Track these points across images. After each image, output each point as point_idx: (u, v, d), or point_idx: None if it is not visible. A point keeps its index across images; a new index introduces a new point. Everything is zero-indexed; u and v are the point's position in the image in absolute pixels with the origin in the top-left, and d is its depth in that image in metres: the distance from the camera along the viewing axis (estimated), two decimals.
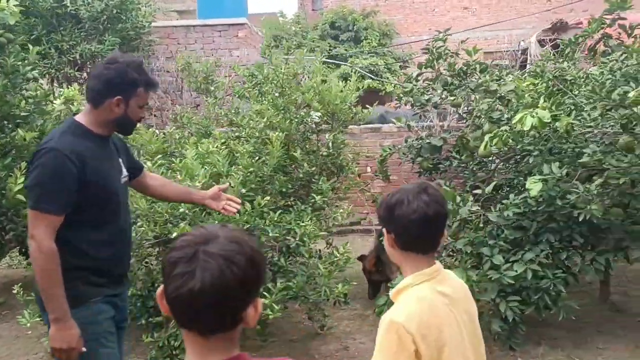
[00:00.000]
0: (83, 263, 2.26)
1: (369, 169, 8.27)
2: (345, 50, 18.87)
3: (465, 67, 4.58)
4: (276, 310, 3.55)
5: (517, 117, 3.78)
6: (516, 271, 3.89)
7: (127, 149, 2.64)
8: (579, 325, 4.62)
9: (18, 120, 4.96)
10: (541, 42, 10.32)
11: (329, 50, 18.82)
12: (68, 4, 7.61)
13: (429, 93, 4.88)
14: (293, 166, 4.61)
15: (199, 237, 1.18)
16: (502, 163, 4.98)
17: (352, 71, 14.31)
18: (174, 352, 3.80)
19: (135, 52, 8.47)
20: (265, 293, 3.60)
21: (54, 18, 7.81)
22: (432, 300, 1.70)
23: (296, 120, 4.57)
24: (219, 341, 1.19)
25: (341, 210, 4.12)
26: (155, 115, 8.08)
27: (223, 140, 4.31)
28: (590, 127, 3.72)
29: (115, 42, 7.84)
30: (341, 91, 4.81)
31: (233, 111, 4.58)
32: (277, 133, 3.94)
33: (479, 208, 4.12)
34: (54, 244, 2.15)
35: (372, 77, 13.73)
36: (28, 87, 5.13)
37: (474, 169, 4.70)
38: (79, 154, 2.18)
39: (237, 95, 4.86)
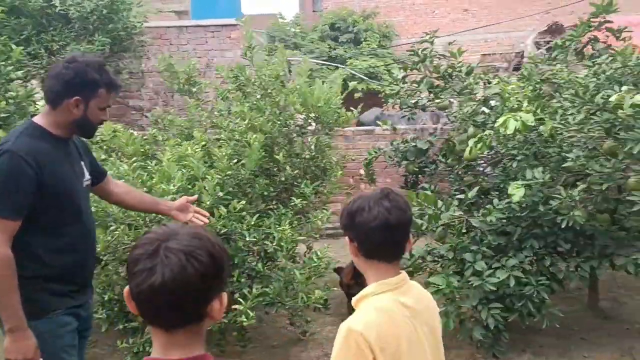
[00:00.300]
0: (43, 271, 2.18)
1: (362, 172, 8.21)
2: (345, 51, 18.82)
3: (450, 70, 4.50)
4: (251, 317, 3.48)
5: (501, 120, 3.72)
6: (498, 278, 3.82)
7: (90, 152, 2.56)
8: (567, 332, 4.54)
9: None
10: (537, 45, 10.24)
11: (329, 51, 18.78)
12: (57, 4, 7.55)
13: (417, 95, 4.81)
14: (276, 169, 4.54)
15: (160, 235, 1.20)
16: (489, 167, 4.91)
17: (349, 74, 14.30)
18: None
19: (126, 52, 8.42)
20: (240, 299, 3.53)
21: (44, 18, 7.75)
22: (392, 311, 1.65)
23: (279, 122, 4.50)
24: (183, 336, 1.20)
25: (320, 215, 4.04)
26: (146, 116, 8.01)
27: (203, 143, 4.24)
28: (574, 131, 3.64)
29: (105, 43, 7.77)
30: (326, 93, 4.74)
31: (217, 113, 4.50)
32: (255, 135, 3.87)
33: (462, 213, 4.04)
34: (9, 250, 2.07)
35: (369, 79, 13.69)
36: (10, 88, 5.06)
37: (460, 173, 4.62)
38: (36, 156, 2.11)
39: (220, 97, 4.79)
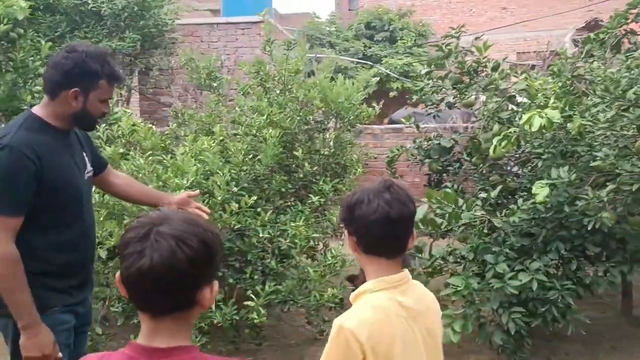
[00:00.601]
0: (41, 267, 2.12)
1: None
2: (380, 50, 18.66)
3: (475, 65, 4.35)
4: (262, 314, 3.42)
5: (525, 117, 3.56)
6: (521, 281, 3.66)
7: (91, 142, 2.50)
8: (595, 340, 4.35)
9: None
10: (575, 42, 9.90)
11: (364, 50, 18.66)
12: (90, 2, 7.66)
13: (442, 92, 4.67)
14: (294, 165, 4.48)
15: (153, 219, 1.18)
16: (517, 166, 4.73)
17: (384, 72, 14.14)
18: None
19: (157, 49, 8.48)
20: (252, 296, 3.48)
21: (77, 15, 7.87)
22: (388, 310, 1.58)
23: (298, 118, 4.44)
24: (170, 324, 1.18)
25: (337, 212, 3.95)
26: (165, 110, 8.06)
27: (221, 138, 4.20)
28: (604, 128, 3.46)
29: (136, 39, 7.84)
30: (347, 89, 4.65)
31: (237, 109, 4.47)
32: (271, 131, 3.81)
33: (484, 213, 3.89)
34: (14, 247, 2.02)
35: (404, 78, 13.50)
36: (38, 82, 5.13)
37: (484, 172, 4.46)
38: (36, 150, 2.04)
39: (241, 93, 4.76)
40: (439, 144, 4.69)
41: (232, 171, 3.78)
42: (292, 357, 4.18)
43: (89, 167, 2.34)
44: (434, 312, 1.72)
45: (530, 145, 3.94)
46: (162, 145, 4.41)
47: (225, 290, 3.65)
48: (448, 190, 3.82)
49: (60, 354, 2.11)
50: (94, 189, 2.79)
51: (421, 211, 3.67)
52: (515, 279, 3.70)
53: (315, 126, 4.52)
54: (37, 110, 2.18)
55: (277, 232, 3.82)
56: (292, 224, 3.71)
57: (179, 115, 4.62)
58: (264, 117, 4.22)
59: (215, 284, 1.23)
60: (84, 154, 2.33)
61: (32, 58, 5.36)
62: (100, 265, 3.81)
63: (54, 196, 2.10)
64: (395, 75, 13.61)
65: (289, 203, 4.37)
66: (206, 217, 2.70)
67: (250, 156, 3.89)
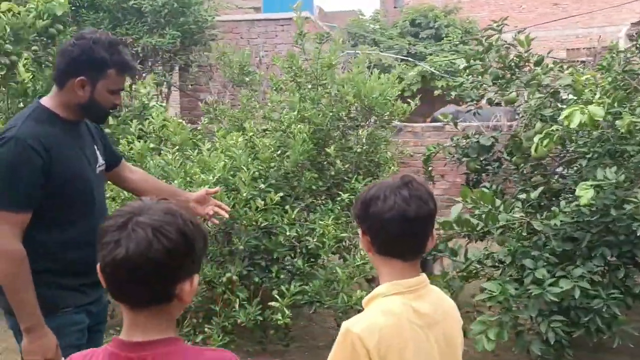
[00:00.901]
0: (50, 265, 2.04)
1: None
2: (425, 47, 18.35)
3: (517, 60, 4.13)
4: (286, 315, 3.32)
5: (565, 113, 3.34)
6: (561, 288, 3.44)
7: (105, 135, 2.41)
8: None
9: None
10: (630, 38, 9.44)
11: (408, 47, 18.39)
12: None
13: (482, 88, 4.46)
14: (326, 163, 4.36)
15: (134, 208, 1.17)
16: (562, 166, 4.48)
17: (428, 70, 13.88)
18: None
19: (197, 45, 8.51)
20: (277, 296, 3.38)
21: (119, 12, 7.97)
22: (400, 316, 1.45)
23: (331, 114, 4.32)
24: (150, 317, 1.17)
25: None
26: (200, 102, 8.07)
27: (251, 134, 4.12)
28: None
29: (175, 36, 7.89)
30: (381, 84, 4.50)
31: (270, 104, 4.38)
32: (299, 126, 3.70)
33: (523, 215, 3.68)
34: (20, 246, 1.94)
35: (450, 76, 13.20)
36: None
37: (525, 172, 4.24)
38: (43, 142, 1.95)
39: (274, 88, 4.67)
40: (478, 142, 4.48)
41: (260, 167, 3.69)
42: (319, 359, 4.06)
43: (101, 161, 2.25)
44: (453, 321, 1.59)
45: (575, 144, 3.70)
46: (193, 140, 4.37)
47: (250, 289, 3.56)
48: (485, 190, 3.62)
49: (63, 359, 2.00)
50: None
51: (455, 211, 3.49)
52: (556, 285, 3.47)
53: (349, 122, 4.38)
54: (45, 101, 2.10)
55: (305, 231, 3.72)
56: (321, 222, 3.59)
57: (211, 110, 4.57)
58: (295, 112, 4.12)
59: (196, 277, 1.20)
60: (95, 147, 2.23)
61: None
62: None
63: (61, 190, 2.01)
64: (439, 73, 13.32)
65: (320, 201, 4.25)
66: (226, 215, 2.61)
67: (279, 152, 3.79)
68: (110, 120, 5.30)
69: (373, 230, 1.51)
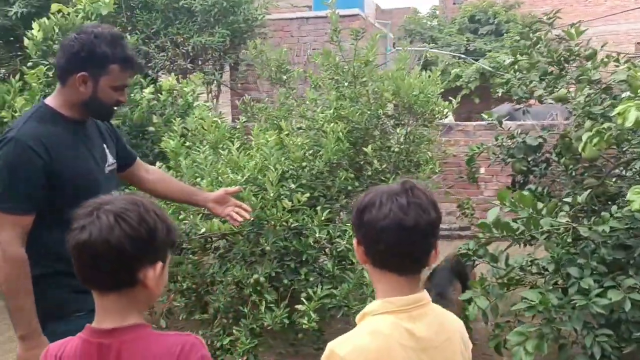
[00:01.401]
0: (64, 267, 1.93)
1: (482, 170, 7.58)
2: (485, 44, 17.85)
3: (567, 54, 3.87)
4: (312, 319, 3.22)
5: (618, 109, 3.09)
6: (610, 299, 3.19)
7: (118, 134, 2.38)
8: None
9: None
10: None
11: (466, 44, 17.94)
12: None
13: (531, 85, 4.22)
14: (362, 162, 4.24)
15: (104, 199, 1.26)
16: (619, 168, 4.18)
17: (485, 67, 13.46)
18: (215, 353, 3.62)
19: (246, 44, 8.53)
20: (303, 299, 3.30)
21: (171, 12, 8.09)
22: (390, 338, 1.33)
23: (369, 112, 4.19)
24: (116, 302, 1.26)
25: None
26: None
27: (286, 132, 4.06)
28: None
29: (225, 35, 7.93)
30: (422, 82, 4.34)
31: (308, 102, 4.30)
32: (332, 125, 3.60)
33: (569, 220, 3.44)
34: (21, 249, 1.91)
35: (502, 73, 12.74)
36: None
37: (573, 173, 3.98)
38: (45, 143, 1.93)
39: (312, 86, 4.59)
40: (524, 142, 4.24)
41: (291, 167, 3.61)
42: None
43: (111, 160, 2.21)
44: (455, 344, 1.44)
45: (629, 144, 3.43)
46: (231, 139, 4.34)
47: (279, 291, 3.49)
48: (525, 192, 3.41)
49: None
50: None
51: (492, 214, 3.30)
52: (604, 296, 3.23)
53: (387, 121, 4.24)
54: (49, 100, 2.08)
55: (337, 233, 3.61)
56: (349, 224, 3.48)
57: (248, 109, 4.53)
58: (331, 110, 4.03)
59: (159, 265, 1.26)
60: (105, 146, 2.20)
61: None
62: None
63: (64, 191, 1.98)
64: (491, 70, 12.88)
65: None
66: (247, 216, 2.53)
67: (311, 151, 3.70)
68: (155, 119, 5.38)
69: (367, 239, 1.40)
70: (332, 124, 3.63)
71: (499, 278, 3.61)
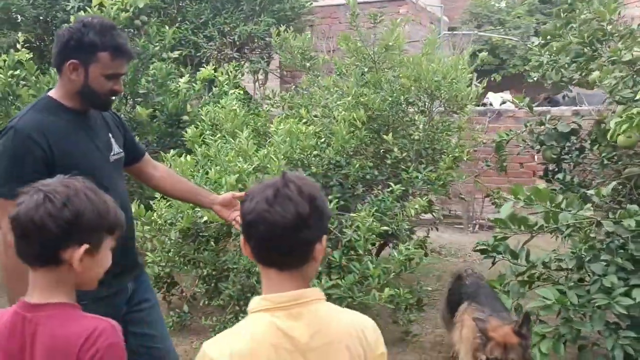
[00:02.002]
0: None
1: (536, 158, 7.21)
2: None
3: (600, 34, 3.58)
4: None
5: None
6: (634, 299, 2.95)
7: (126, 128, 2.38)
8: None
9: (137, 98, 5.24)
10: None
11: (536, 26, 17.12)
12: None
13: (564, 67, 3.94)
14: (382, 151, 4.13)
15: (47, 181, 1.35)
16: None
17: None
18: None
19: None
20: None
21: (219, 2, 8.17)
22: (261, 339, 1.25)
23: (390, 99, 4.07)
24: (43, 278, 1.32)
25: (416, 206, 3.54)
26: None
27: (305, 121, 4.01)
28: None
29: (270, 23, 7.93)
30: (451, 67, 4.16)
31: (323, 89, 4.23)
32: (343, 113, 3.51)
33: (593, 213, 3.20)
34: None
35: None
36: (154, 66, 5.37)
37: (604, 162, 3.70)
38: (44, 133, 1.97)
39: (337, 73, 4.50)
40: (555, 128, 3.98)
41: (302, 155, 3.57)
42: None
43: (116, 150, 2.22)
44: (341, 350, 1.29)
45: None
46: (255, 127, 4.35)
47: None
48: (541, 185, 3.19)
49: None
50: None
51: (505, 209, 3.12)
52: (628, 295, 3.00)
53: (407, 107, 4.10)
54: (52, 92, 2.12)
55: (349, 222, 3.55)
56: (362, 213, 3.40)
57: (270, 97, 4.51)
58: (349, 97, 3.94)
59: (84, 247, 1.30)
60: (110, 136, 2.22)
61: (157, 44, 5.62)
62: (175, 246, 3.85)
63: None
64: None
65: (378, 191, 4.04)
66: None
67: (323, 140, 3.64)
68: (189, 108, 5.46)
69: (244, 234, 1.33)
70: (343, 112, 3.54)
71: (518, 275, 3.42)
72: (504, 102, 5.94)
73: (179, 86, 5.47)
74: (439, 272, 5.58)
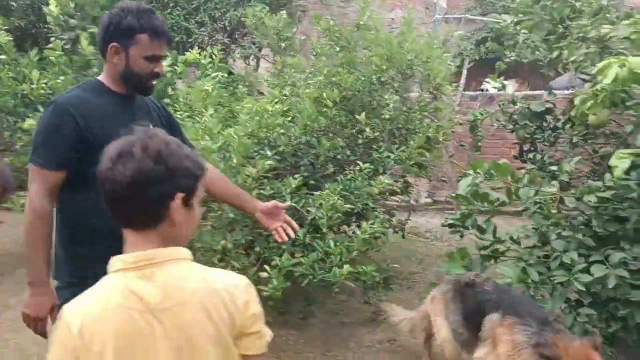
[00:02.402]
0: (79, 235, 2.07)
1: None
2: None
3: (569, 11, 3.53)
4: (276, 286, 3.19)
5: (599, 66, 2.81)
6: (592, 275, 2.94)
7: (173, 122, 2.38)
8: None
9: None
10: None
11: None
12: None
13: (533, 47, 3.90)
14: (355, 131, 4.12)
15: None
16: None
17: None
18: None
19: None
20: (266, 267, 3.27)
21: None
22: (111, 299, 1.23)
23: (363, 78, 4.05)
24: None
25: (382, 182, 3.54)
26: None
27: (276, 100, 4.01)
28: None
29: (262, 8, 7.89)
30: (426, 46, 4.14)
31: (291, 69, 4.22)
32: (307, 91, 3.51)
33: (556, 190, 3.18)
34: (45, 201, 2.01)
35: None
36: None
37: (574, 140, 3.66)
38: (83, 110, 2.04)
39: (313, 53, 4.49)
40: (529, 107, 3.94)
41: (268, 133, 3.57)
42: (336, 338, 3.88)
43: None
44: (195, 312, 1.26)
45: (623, 106, 3.11)
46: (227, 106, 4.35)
47: (250, 259, 3.48)
48: (502, 162, 3.15)
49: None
50: None
51: (464, 184, 3.11)
52: (588, 272, 2.98)
53: (379, 87, 4.07)
54: (100, 76, 2.20)
55: (319, 202, 3.54)
56: (325, 192, 3.40)
57: (245, 78, 4.50)
58: (321, 77, 3.93)
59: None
60: (150, 125, 2.15)
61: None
62: None
63: (95, 158, 2.06)
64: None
65: (349, 171, 4.03)
66: (292, 234, 2.42)
67: (289, 118, 3.64)
68: (170, 91, 5.47)
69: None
70: (308, 90, 3.53)
71: (481, 249, 3.42)
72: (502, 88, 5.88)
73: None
74: (422, 256, 5.58)
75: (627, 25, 3.28)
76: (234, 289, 1.32)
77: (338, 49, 4.06)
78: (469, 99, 7.37)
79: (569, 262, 3.03)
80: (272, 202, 2.41)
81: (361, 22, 4.01)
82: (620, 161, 2.78)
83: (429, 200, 7.48)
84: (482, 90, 8.96)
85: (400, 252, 5.37)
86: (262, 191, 3.38)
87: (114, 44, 2.06)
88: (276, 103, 3.93)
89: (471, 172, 3.08)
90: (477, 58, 6.64)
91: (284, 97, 3.90)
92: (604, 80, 2.70)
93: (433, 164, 4.46)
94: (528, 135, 3.97)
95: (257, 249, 3.48)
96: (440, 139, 4.24)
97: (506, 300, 2.80)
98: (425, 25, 8.52)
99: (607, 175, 3.13)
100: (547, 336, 2.47)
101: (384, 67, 3.94)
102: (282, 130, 3.58)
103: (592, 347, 2.36)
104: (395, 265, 3.82)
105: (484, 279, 3.06)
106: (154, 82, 2.18)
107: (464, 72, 7.49)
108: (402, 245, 5.52)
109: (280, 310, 3.97)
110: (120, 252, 1.35)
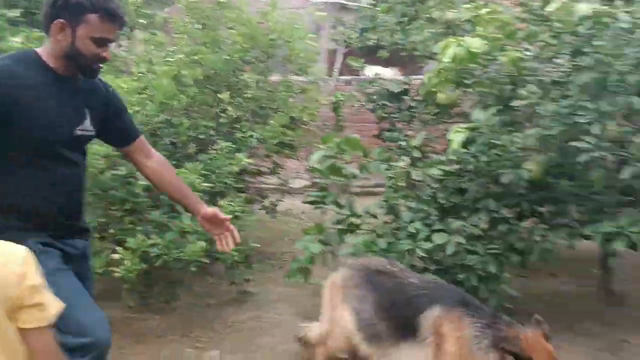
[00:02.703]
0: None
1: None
2: None
3: None
4: (128, 267, 3.11)
5: (440, 45, 2.98)
6: (433, 242, 3.13)
7: (120, 108, 2.21)
8: (555, 317, 3.72)
9: None
10: None
11: None
12: None
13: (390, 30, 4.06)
14: (219, 110, 4.10)
15: None
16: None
17: None
18: None
19: None
20: (117, 248, 3.19)
21: None
22: None
23: (226, 57, 4.03)
24: None
25: (237, 159, 3.56)
26: None
27: (136, 79, 3.88)
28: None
29: None
30: (287, 27, 4.18)
31: (151, 46, 4.11)
32: (164, 68, 3.43)
33: (404, 165, 3.35)
34: None
35: None
36: None
37: (422, 119, 3.88)
38: (8, 82, 1.87)
39: (177, 31, 4.39)
40: (387, 88, 4.11)
41: None
42: (200, 320, 3.84)
43: (87, 126, 2.06)
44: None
45: (463, 85, 3.32)
46: None
47: (105, 242, 3.37)
48: (353, 136, 3.27)
49: None
50: None
51: (315, 157, 3.19)
52: (429, 240, 3.17)
53: (242, 66, 4.08)
54: (39, 49, 2.00)
55: None
56: (182, 170, 3.35)
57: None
58: (182, 55, 3.86)
59: None
60: (87, 111, 2.06)
61: None
62: None
63: (17, 133, 1.90)
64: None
65: (211, 150, 4.00)
66: (228, 250, 2.37)
67: (145, 96, 3.54)
68: None
69: None
70: (165, 67, 3.46)
71: (337, 223, 3.53)
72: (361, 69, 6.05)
73: (12, 45, 5.12)
74: (295, 236, 5.65)
75: (468, 9, 3.50)
76: (8, 263, 1.26)
77: (200, 26, 4.00)
78: (344, 83, 7.55)
79: (415, 232, 3.21)
80: (212, 210, 2.33)
81: (223, 0, 3.96)
82: (456, 135, 2.96)
83: (307, 183, 7.60)
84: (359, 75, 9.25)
85: (273, 233, 5.42)
86: (117, 172, 3.28)
87: (61, 20, 1.90)
88: (133, 81, 3.81)
89: (322, 146, 3.16)
90: (360, 46, 6.84)
91: (141, 75, 3.78)
92: (443, 59, 2.86)
93: (305, 145, 4.53)
94: (386, 115, 4.14)
95: (112, 230, 3.37)
96: (305, 119, 4.31)
97: (440, 292, 2.48)
98: (303, 10, 8.63)
99: (449, 150, 3.35)
100: (502, 329, 2.23)
101: (247, 46, 3.93)
102: (137, 108, 3.47)
103: (543, 336, 2.21)
104: (257, 245, 3.83)
105: (400, 268, 2.70)
106: (101, 65, 2.03)
107: (340, 57, 7.66)
108: (275, 226, 5.61)
109: (143, 294, 3.87)
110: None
